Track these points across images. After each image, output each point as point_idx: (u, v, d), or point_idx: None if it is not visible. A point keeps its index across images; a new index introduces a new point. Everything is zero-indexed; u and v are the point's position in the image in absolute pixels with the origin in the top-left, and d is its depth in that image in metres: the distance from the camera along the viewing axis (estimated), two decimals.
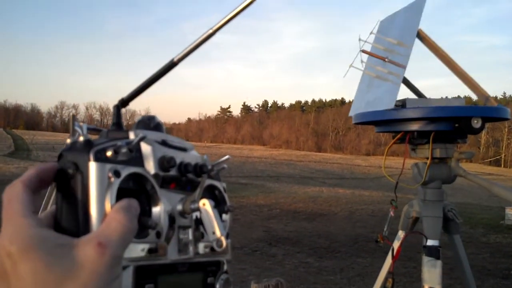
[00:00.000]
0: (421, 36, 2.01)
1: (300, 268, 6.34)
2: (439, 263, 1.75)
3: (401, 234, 1.99)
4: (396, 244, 1.91)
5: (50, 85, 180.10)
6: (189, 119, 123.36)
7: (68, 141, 0.41)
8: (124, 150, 0.40)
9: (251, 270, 6.06)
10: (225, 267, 0.49)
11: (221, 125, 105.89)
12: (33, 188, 0.40)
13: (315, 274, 6.05)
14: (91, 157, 0.38)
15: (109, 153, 0.39)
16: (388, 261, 1.97)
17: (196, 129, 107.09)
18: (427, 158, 1.83)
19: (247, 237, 8.11)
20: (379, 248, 1.79)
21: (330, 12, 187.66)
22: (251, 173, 29.51)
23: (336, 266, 6.41)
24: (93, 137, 0.44)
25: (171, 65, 0.48)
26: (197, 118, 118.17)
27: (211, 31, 0.47)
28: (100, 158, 0.39)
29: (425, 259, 1.78)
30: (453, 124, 1.73)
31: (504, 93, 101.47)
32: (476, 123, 1.68)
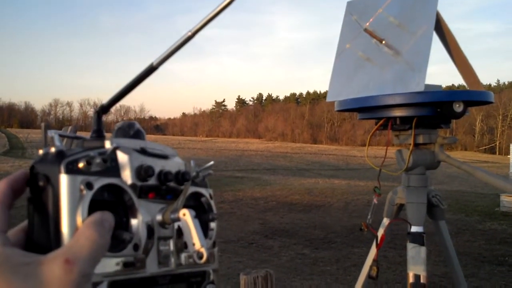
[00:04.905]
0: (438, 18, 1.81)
1: (296, 259, 6.36)
2: (423, 249, 1.75)
3: (385, 221, 1.99)
4: (380, 232, 1.91)
5: (43, 83, 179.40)
6: (183, 113, 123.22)
7: (40, 152, 0.39)
8: (97, 160, 0.39)
9: (248, 262, 6.07)
10: (212, 277, 0.47)
11: (216, 119, 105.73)
12: (8, 204, 0.38)
13: (311, 265, 6.07)
14: (62, 169, 0.37)
15: (81, 165, 0.38)
16: (373, 249, 1.97)
17: (191, 123, 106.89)
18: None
19: (243, 230, 8.13)
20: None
21: (324, 3, 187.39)
22: (247, 166, 29.51)
23: (332, 257, 6.43)
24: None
25: (150, 69, 0.46)
26: (192, 113, 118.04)
27: (190, 33, 0.46)
28: (72, 170, 0.37)
29: (410, 246, 1.77)
30: (435, 109, 1.71)
31: (498, 80, 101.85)
32: (458, 107, 1.66)
